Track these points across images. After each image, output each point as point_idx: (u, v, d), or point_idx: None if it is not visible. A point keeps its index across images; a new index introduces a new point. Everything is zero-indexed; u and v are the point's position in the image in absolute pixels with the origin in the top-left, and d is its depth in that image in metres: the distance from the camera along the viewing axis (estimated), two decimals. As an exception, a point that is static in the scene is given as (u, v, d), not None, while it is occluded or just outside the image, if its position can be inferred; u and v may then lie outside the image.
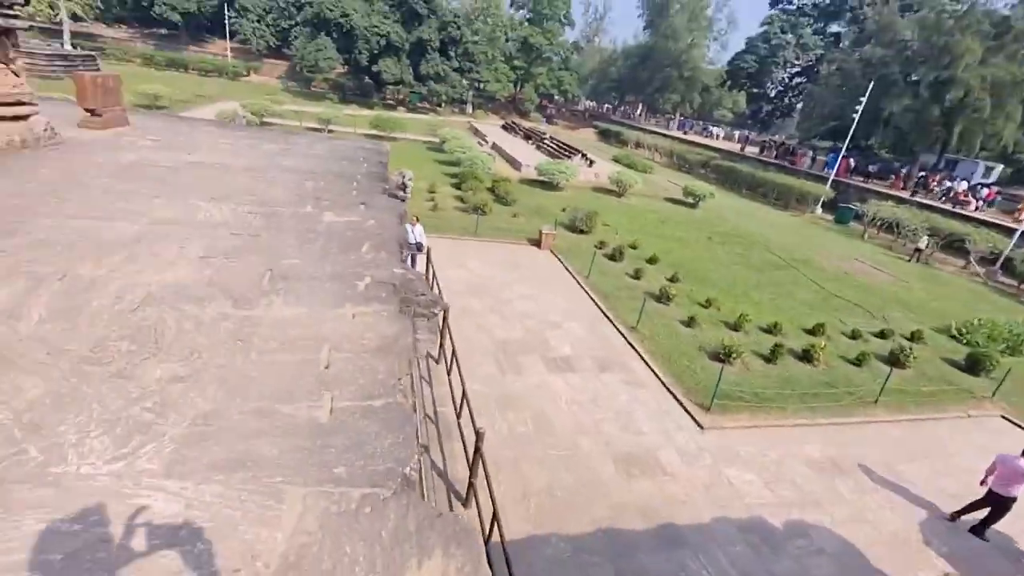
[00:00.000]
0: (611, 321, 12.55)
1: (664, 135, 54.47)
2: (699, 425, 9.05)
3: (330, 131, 33.78)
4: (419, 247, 12.54)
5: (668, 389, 10.03)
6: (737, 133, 61.10)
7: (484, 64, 55.69)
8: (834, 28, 58.30)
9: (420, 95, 54.18)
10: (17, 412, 2.26)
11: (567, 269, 15.62)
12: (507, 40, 60.68)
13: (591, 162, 31.82)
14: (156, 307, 3.19)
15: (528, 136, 42.17)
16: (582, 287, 14.38)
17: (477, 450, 5.76)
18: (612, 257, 16.69)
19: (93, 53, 43.38)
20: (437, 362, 9.08)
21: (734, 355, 11.21)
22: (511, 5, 64.36)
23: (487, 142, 38.80)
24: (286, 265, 4.02)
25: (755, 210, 30.77)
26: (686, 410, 9.44)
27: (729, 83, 65.98)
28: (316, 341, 3.07)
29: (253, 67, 57.47)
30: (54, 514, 1.82)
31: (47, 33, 48.42)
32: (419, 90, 53.31)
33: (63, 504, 1.86)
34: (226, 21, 55.76)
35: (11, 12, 6.25)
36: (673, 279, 15.55)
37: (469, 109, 60.14)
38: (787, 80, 65.48)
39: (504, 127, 48.39)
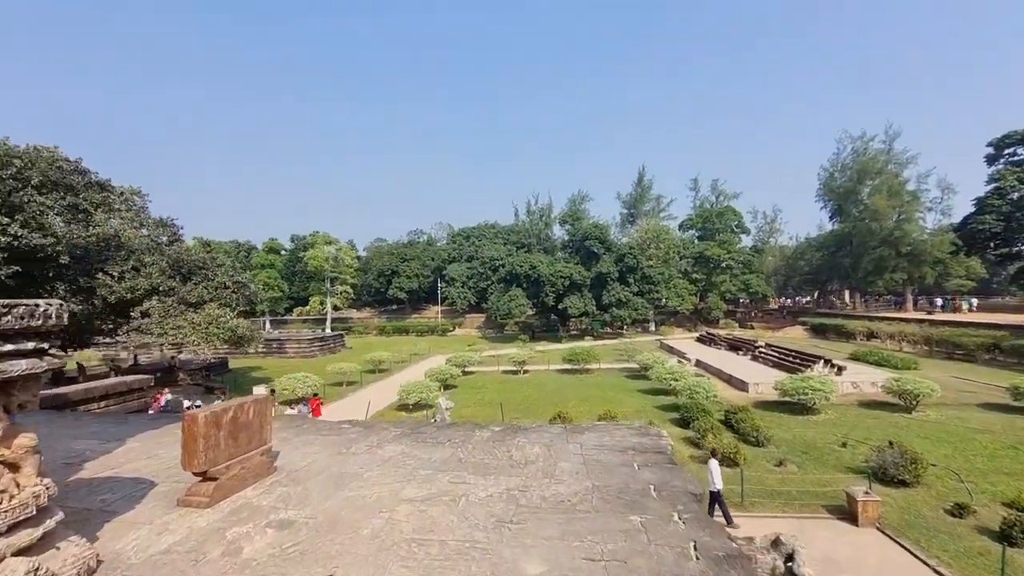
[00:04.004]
0: None
1: (904, 319, 44.36)
2: None
3: (525, 371, 33.93)
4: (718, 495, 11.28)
5: None
6: (975, 301, 53.27)
7: (662, 283, 56.08)
8: (1101, 162, 46.75)
9: (602, 322, 55.11)
10: None
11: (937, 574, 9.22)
12: (681, 258, 61.65)
13: (839, 368, 25.21)
14: None
15: (735, 346, 37.33)
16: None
17: None
18: (1007, 537, 9.82)
19: (342, 332, 55.07)
20: None
21: None
22: (680, 228, 67.44)
23: (689, 359, 34.97)
24: None
25: None
26: None
27: (965, 248, 54.90)
28: None
29: (457, 323, 67.01)
30: None
31: (315, 323, 64.49)
32: (601, 318, 54.41)
33: None
34: (438, 291, 68.68)
35: (24, 348, 3.57)
36: None
37: (652, 327, 58.74)
38: (1051, 231, 52.03)
39: (700, 339, 44.52)
